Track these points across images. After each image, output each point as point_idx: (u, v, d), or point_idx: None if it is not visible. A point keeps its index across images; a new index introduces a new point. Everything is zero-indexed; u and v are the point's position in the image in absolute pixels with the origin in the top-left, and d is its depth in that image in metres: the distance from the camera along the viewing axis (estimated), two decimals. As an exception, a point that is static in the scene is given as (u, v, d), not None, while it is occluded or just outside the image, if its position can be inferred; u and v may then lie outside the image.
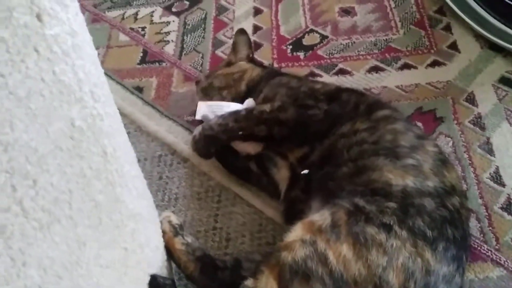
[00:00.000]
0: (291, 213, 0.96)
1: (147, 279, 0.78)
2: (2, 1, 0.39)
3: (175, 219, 0.94)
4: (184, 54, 1.48)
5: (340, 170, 0.89)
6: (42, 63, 0.45)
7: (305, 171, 0.98)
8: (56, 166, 0.50)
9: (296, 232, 0.79)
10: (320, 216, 0.80)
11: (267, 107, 1.05)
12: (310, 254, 0.76)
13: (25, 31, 0.42)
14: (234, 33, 1.51)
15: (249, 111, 1.07)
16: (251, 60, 1.29)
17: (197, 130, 1.10)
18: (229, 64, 1.28)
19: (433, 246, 0.76)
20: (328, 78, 1.35)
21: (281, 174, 1.05)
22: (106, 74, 0.63)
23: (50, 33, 0.45)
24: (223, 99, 1.19)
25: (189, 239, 0.93)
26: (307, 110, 1.02)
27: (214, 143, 1.10)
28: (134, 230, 0.70)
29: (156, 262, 0.82)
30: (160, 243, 0.86)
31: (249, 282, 0.79)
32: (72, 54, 0.50)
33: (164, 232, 0.90)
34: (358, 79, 1.35)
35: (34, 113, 0.45)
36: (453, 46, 1.41)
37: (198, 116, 1.16)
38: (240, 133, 1.06)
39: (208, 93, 1.23)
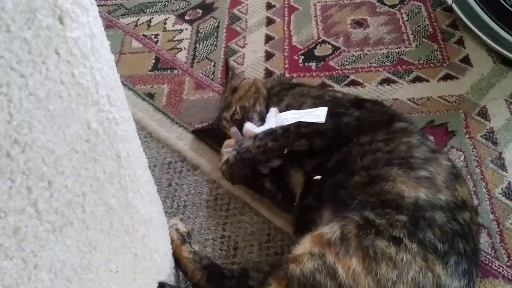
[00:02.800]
0: (302, 222, 0.95)
1: (155, 286, 0.78)
2: (26, 2, 0.39)
3: (182, 227, 0.94)
4: (196, 62, 1.49)
5: (352, 179, 0.88)
6: (62, 65, 0.45)
7: (318, 177, 0.97)
8: (71, 168, 0.50)
9: (305, 245, 0.79)
10: (330, 229, 0.79)
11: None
12: (319, 267, 0.75)
13: (47, 33, 0.42)
14: (246, 42, 1.52)
15: (285, 128, 1.01)
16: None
17: (230, 154, 1.03)
18: (235, 89, 1.23)
19: (444, 260, 0.76)
20: (339, 89, 1.35)
21: (297, 178, 1.04)
22: (118, 79, 0.63)
23: (71, 36, 0.45)
24: (261, 113, 1.13)
25: (196, 247, 0.92)
26: (341, 118, 1.00)
27: (250, 165, 1.03)
28: (144, 235, 0.70)
29: (164, 269, 0.82)
30: (168, 250, 0.86)
31: (256, 293, 0.78)
32: (90, 57, 0.50)
33: (171, 239, 0.89)
34: (369, 91, 1.34)
35: (52, 115, 0.45)
36: (466, 60, 1.40)
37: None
38: (286, 151, 1.01)
39: (246, 115, 1.15)
